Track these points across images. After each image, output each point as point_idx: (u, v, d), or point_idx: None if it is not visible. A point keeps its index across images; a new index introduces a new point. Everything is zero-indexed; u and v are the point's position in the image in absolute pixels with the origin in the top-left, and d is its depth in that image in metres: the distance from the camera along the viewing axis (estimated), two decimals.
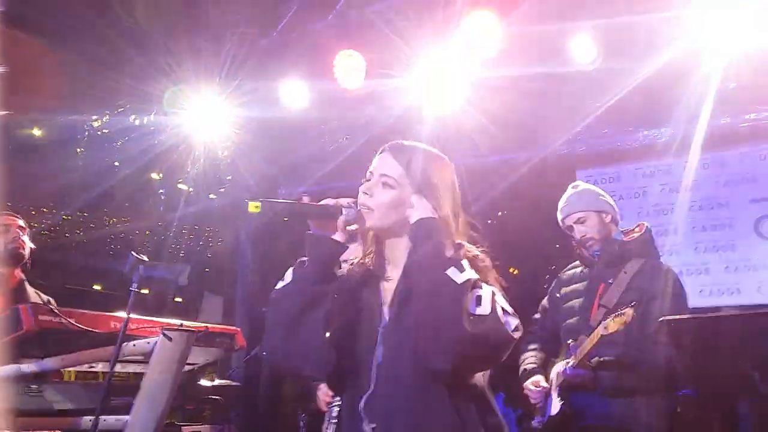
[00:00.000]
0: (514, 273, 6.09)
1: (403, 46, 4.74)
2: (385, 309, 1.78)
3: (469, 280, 1.61)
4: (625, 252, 3.05)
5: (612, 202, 3.21)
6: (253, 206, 1.78)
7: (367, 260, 1.87)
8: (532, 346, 3.37)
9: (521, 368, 3.32)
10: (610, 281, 3.02)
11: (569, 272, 3.29)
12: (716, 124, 4.67)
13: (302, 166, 6.28)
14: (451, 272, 1.61)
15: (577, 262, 3.26)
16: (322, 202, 1.80)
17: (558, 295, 3.25)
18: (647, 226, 3.14)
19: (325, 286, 1.73)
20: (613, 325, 2.73)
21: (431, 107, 5.09)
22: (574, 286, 3.19)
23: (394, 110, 5.25)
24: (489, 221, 6.44)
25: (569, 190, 3.26)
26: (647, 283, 2.93)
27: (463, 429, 1.65)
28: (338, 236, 1.77)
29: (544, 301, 3.39)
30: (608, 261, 3.06)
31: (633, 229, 3.16)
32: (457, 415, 1.65)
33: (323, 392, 2.94)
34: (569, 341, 3.03)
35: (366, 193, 1.79)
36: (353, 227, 1.80)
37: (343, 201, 1.80)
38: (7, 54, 1.74)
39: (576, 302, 3.12)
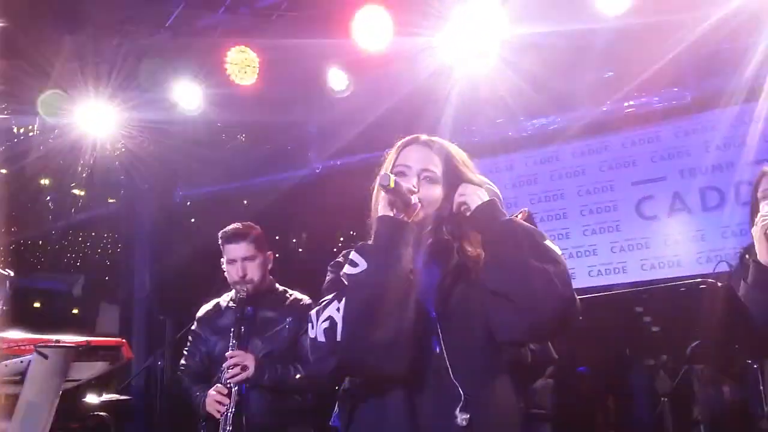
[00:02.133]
0: None
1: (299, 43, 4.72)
2: (429, 300, 1.72)
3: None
4: None
5: (496, 190, 3.29)
6: (392, 180, 1.64)
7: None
8: None
9: None
10: None
11: None
12: (598, 110, 4.89)
13: (200, 166, 6.13)
14: (549, 243, 1.66)
15: None
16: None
17: None
18: (528, 212, 3.24)
19: (408, 271, 1.66)
20: None
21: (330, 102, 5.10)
22: None
23: (292, 104, 5.22)
24: None
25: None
26: None
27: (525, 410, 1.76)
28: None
29: None
30: None
31: (516, 215, 3.25)
32: (520, 397, 1.74)
33: (216, 398, 2.88)
34: None
35: (414, 192, 1.74)
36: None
37: (410, 187, 1.74)
38: None
39: None
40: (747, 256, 2.49)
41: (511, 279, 1.61)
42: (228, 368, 2.84)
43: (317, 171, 5.98)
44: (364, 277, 1.62)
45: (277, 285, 3.24)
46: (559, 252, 1.67)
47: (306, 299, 3.16)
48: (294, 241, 7.24)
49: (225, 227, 3.19)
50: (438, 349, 1.66)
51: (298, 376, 2.94)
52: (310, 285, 3.20)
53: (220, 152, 5.91)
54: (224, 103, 5.23)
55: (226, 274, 3.13)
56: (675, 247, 4.94)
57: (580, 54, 4.60)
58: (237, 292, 3.01)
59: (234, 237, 3.09)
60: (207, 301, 3.29)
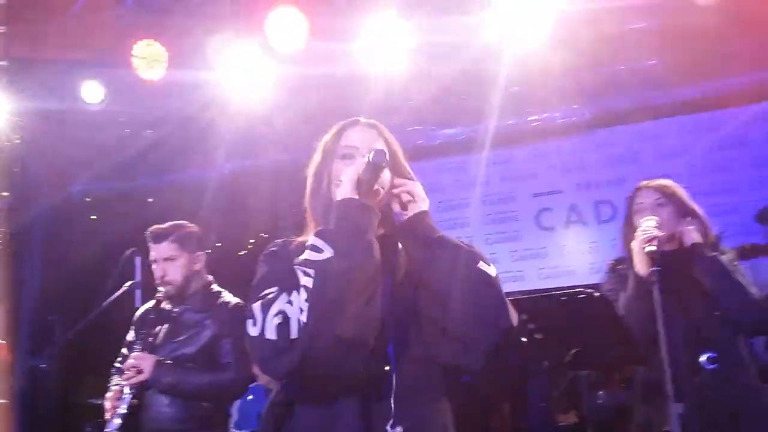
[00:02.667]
0: None
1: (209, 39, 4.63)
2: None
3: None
4: None
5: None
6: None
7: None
8: None
9: None
10: None
11: None
12: (504, 123, 5.06)
13: (102, 161, 5.88)
14: (482, 266, 1.55)
15: None
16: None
17: None
18: None
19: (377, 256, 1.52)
20: None
21: (237, 103, 5.02)
22: None
23: (195, 103, 5.09)
24: None
25: None
26: None
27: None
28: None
29: None
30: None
31: None
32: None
33: (108, 400, 2.78)
34: None
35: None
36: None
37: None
38: None
39: None
40: (619, 267, 2.64)
41: (442, 306, 1.53)
42: (125, 370, 2.76)
43: (225, 172, 5.87)
44: (333, 263, 1.46)
45: (213, 286, 3.13)
46: (494, 273, 1.58)
47: (235, 301, 3.07)
48: None
49: (127, 224, 3.10)
50: (388, 355, 1.55)
51: (205, 381, 2.85)
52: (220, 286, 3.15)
53: (124, 147, 5.69)
54: (130, 97, 5.05)
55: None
56: (570, 258, 5.19)
57: (490, 69, 4.74)
58: (159, 292, 2.94)
59: (155, 237, 3.01)
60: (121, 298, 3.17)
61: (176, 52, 4.72)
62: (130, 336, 3.09)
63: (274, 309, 1.48)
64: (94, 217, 6.57)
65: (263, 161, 5.93)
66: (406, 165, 1.76)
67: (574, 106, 5.17)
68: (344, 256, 1.47)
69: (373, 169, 1.54)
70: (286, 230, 6.49)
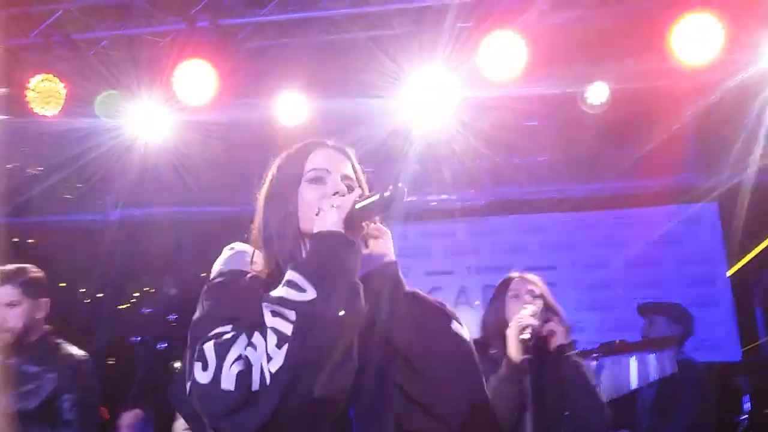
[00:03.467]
0: None
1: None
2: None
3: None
4: None
5: None
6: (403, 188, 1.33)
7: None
8: None
9: None
10: None
11: None
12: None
13: None
14: (455, 327, 1.43)
15: None
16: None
17: None
18: None
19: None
20: None
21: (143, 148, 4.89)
22: None
23: (96, 147, 4.91)
24: None
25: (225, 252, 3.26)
26: None
27: None
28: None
29: None
30: None
31: None
32: None
33: None
34: None
35: (339, 194, 1.44)
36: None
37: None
38: None
39: None
40: (492, 352, 2.68)
41: (412, 372, 1.39)
42: None
43: (113, 218, 5.62)
44: (318, 307, 1.25)
45: (52, 337, 2.95)
46: (468, 336, 1.45)
47: (81, 354, 2.92)
48: (82, 291, 6.68)
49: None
50: (350, 419, 1.35)
51: None
52: (90, 339, 2.95)
53: (9, 185, 5.36)
54: (22, 131, 4.80)
55: None
56: None
57: (394, 149, 4.89)
58: None
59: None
60: None
61: (77, 92, 4.57)
62: None
63: (232, 353, 1.23)
64: None
65: (156, 210, 5.74)
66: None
67: (471, 191, 5.36)
68: (330, 299, 1.26)
69: (383, 206, 1.36)
70: (172, 286, 6.26)
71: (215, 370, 1.23)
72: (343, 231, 1.35)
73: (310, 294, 1.26)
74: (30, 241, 6.28)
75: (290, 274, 1.29)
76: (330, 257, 1.31)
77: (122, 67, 4.59)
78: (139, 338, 6.25)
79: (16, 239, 5.97)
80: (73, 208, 5.78)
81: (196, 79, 4.44)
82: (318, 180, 1.49)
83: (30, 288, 2.86)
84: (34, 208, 5.82)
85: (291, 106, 4.56)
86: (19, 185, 5.53)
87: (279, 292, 1.28)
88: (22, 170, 5.50)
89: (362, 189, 1.49)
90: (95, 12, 4.69)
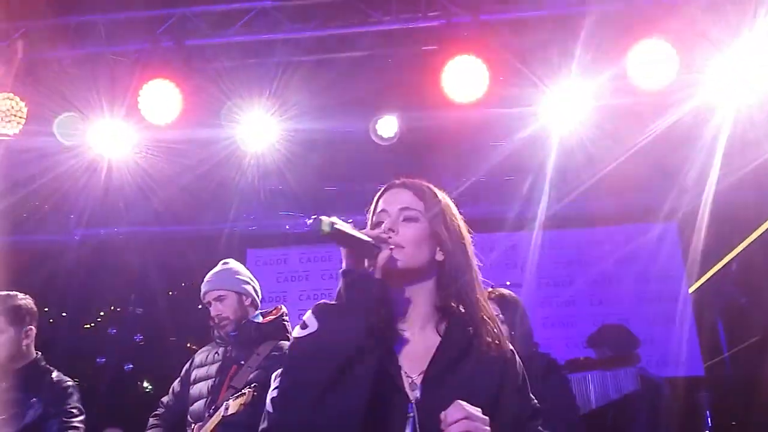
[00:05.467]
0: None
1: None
2: (414, 380, 1.44)
3: None
4: (259, 335, 3.10)
5: (256, 286, 3.28)
6: (325, 225, 1.35)
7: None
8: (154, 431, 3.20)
9: None
10: (242, 362, 3.04)
11: (202, 354, 3.24)
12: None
13: None
14: None
15: (212, 344, 3.24)
16: (365, 234, 1.46)
17: (190, 377, 3.17)
18: (283, 310, 3.25)
19: (370, 338, 1.37)
20: (233, 405, 2.73)
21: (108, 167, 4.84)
22: (206, 368, 3.14)
23: (60, 164, 4.85)
24: None
25: (218, 266, 3.27)
26: (272, 367, 3.00)
27: None
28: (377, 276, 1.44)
29: (175, 384, 3.27)
30: (242, 342, 3.09)
31: (271, 311, 3.25)
32: None
33: None
34: (194, 425, 2.96)
35: (392, 230, 1.51)
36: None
37: (384, 235, 1.48)
38: None
39: (205, 384, 3.06)
40: None
41: None
42: None
43: (75, 238, 5.54)
44: (309, 341, 1.37)
45: (42, 363, 2.94)
46: None
47: (68, 382, 2.91)
48: (46, 309, 6.55)
49: None
50: None
51: None
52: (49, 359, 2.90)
53: None
54: None
55: None
56: None
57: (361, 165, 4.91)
58: None
59: None
60: None
61: (39, 111, 4.51)
62: None
63: (275, 380, 1.45)
64: None
65: (119, 230, 5.67)
66: (450, 213, 1.61)
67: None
68: (322, 332, 1.37)
69: (330, 237, 1.40)
70: (138, 305, 6.18)
71: (269, 393, 1.45)
72: (352, 267, 1.44)
73: (311, 329, 1.39)
74: None
75: (306, 314, 1.44)
76: (337, 294, 1.43)
77: (83, 86, 4.55)
78: (104, 359, 6.15)
79: None
80: (34, 228, 5.68)
81: (161, 98, 4.41)
82: (379, 224, 1.55)
83: (16, 316, 2.83)
84: None
85: (255, 128, 4.56)
86: None
87: (294, 331, 1.46)
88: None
89: (428, 216, 1.56)
90: (58, 32, 4.67)
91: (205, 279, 3.21)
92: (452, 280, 1.54)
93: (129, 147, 4.73)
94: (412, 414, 1.40)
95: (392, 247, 1.47)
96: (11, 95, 4.47)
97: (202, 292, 3.19)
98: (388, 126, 4.49)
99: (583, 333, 4.73)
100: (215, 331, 3.18)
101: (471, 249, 1.60)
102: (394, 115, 4.49)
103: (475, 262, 1.59)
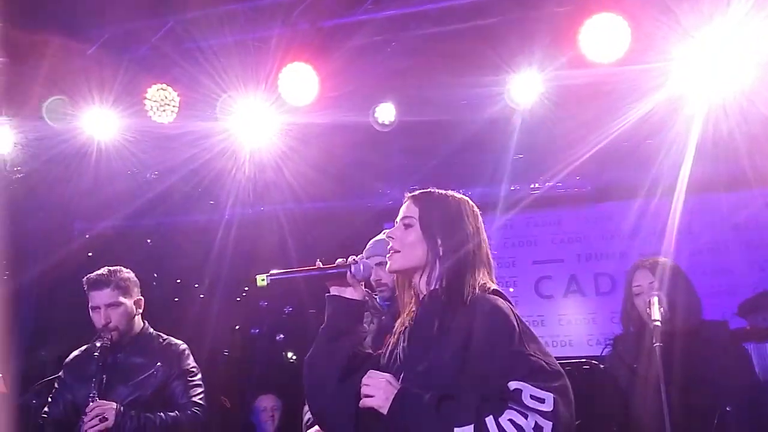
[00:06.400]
0: None
1: (215, 87, 4.72)
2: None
3: None
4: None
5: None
6: (260, 280, 1.79)
7: (406, 320, 1.92)
8: None
9: None
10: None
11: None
12: (508, 189, 5.11)
13: (107, 200, 5.89)
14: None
15: (367, 314, 3.32)
16: (336, 263, 1.90)
17: None
18: None
19: (342, 343, 1.84)
20: None
21: (248, 150, 5.09)
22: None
23: (208, 150, 5.15)
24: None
25: (380, 235, 3.36)
26: None
27: None
28: (352, 293, 1.90)
29: None
30: (396, 312, 3.15)
31: None
32: None
33: None
34: None
35: (391, 237, 1.90)
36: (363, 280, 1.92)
37: (351, 258, 1.91)
38: None
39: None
40: (620, 348, 2.63)
41: None
42: (87, 419, 2.72)
43: (227, 218, 5.87)
44: (306, 360, 1.89)
45: (151, 330, 3.18)
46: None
47: (181, 344, 3.14)
48: (196, 286, 7.02)
49: (123, 264, 3.12)
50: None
51: (169, 422, 2.87)
52: (204, 331, 3.13)
53: (131, 188, 5.72)
54: (140, 138, 5.11)
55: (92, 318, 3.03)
56: (568, 327, 5.15)
57: (494, 134, 4.83)
58: (101, 339, 2.91)
59: (96, 283, 3.02)
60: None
61: (187, 100, 4.80)
62: (62, 376, 3.10)
63: None
64: (90, 254, 6.53)
65: (267, 208, 5.95)
66: (451, 223, 1.89)
67: (577, 178, 5.23)
68: (314, 346, 1.93)
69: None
70: None
71: None
72: (336, 293, 1.95)
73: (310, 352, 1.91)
74: (148, 241, 6.67)
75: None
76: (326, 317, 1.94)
77: (231, 72, 4.77)
78: (257, 330, 6.53)
79: (133, 240, 6.36)
80: (188, 209, 6.08)
81: (299, 81, 4.56)
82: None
83: (125, 288, 3.06)
84: (152, 210, 6.18)
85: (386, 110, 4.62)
86: (137, 189, 5.88)
87: None
88: (140, 175, 5.84)
89: (423, 222, 1.90)
90: (202, 22, 4.93)
91: (366, 246, 3.31)
92: (440, 269, 1.84)
93: (269, 129, 4.93)
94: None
95: (351, 267, 1.90)
96: (164, 86, 4.79)
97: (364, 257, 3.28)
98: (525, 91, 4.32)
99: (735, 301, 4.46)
100: (368, 301, 3.27)
101: (473, 241, 1.89)
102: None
103: (473, 250, 1.88)
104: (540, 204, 5.37)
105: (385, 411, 1.64)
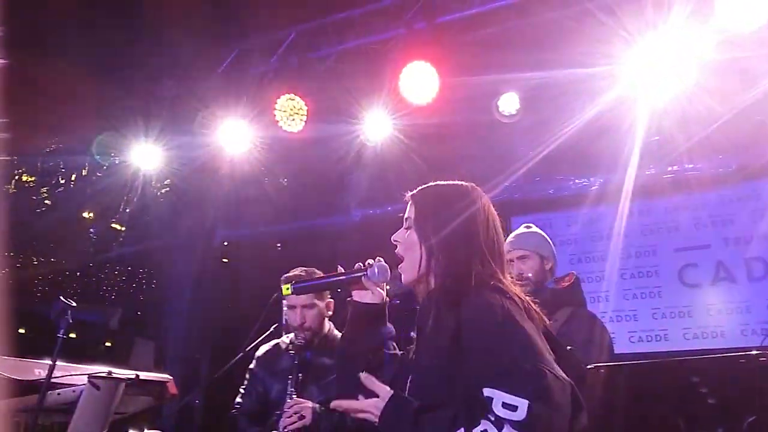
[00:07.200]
0: None
1: (340, 93, 4.85)
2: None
3: None
4: (556, 300, 3.09)
5: (555, 254, 3.30)
6: (285, 289, 1.90)
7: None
8: None
9: None
10: None
11: None
12: (642, 174, 4.88)
13: (242, 208, 6.21)
14: None
15: None
16: (355, 267, 1.90)
17: None
18: (576, 276, 3.21)
19: (361, 346, 1.88)
20: None
21: (374, 152, 5.19)
22: None
23: (337, 153, 5.30)
24: None
25: (521, 228, 3.34)
26: (574, 331, 2.98)
27: None
28: (371, 297, 1.90)
29: None
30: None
31: (563, 278, 3.23)
32: None
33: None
34: None
35: (397, 242, 1.85)
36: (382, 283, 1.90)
37: (368, 262, 1.89)
38: None
39: None
40: None
41: None
42: (286, 416, 2.82)
43: (355, 219, 6.02)
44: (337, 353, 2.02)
45: (335, 331, 3.22)
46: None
47: None
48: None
49: (263, 269, 3.22)
50: None
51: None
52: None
53: (262, 196, 5.99)
54: (270, 147, 5.33)
55: (285, 317, 3.14)
56: (718, 318, 4.83)
57: (626, 118, 4.64)
58: (296, 338, 3.02)
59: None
60: (266, 341, 3.29)
61: (315, 107, 4.97)
62: (255, 369, 3.20)
63: None
64: (226, 260, 6.92)
65: (389, 209, 6.04)
66: (437, 215, 1.81)
67: (720, 157, 4.92)
68: (338, 350, 2.06)
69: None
70: None
71: None
72: (356, 299, 1.95)
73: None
74: (278, 246, 6.96)
75: None
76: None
77: (351, 78, 4.90)
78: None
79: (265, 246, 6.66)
80: (316, 214, 6.28)
81: (420, 79, 4.59)
82: None
83: (322, 291, 3.11)
84: (282, 217, 6.44)
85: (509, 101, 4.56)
86: (268, 196, 6.15)
87: None
88: (272, 182, 6.11)
89: (416, 225, 1.84)
90: (321, 31, 5.09)
91: (510, 238, 3.29)
92: (436, 266, 1.76)
93: (390, 130, 5.00)
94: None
95: (367, 271, 1.86)
96: (292, 96, 4.98)
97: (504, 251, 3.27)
98: None
99: None
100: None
101: (466, 231, 1.77)
102: None
103: (469, 241, 1.76)
104: (678, 187, 5.08)
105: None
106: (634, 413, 2.38)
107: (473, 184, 1.90)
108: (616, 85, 4.32)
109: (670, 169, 5.08)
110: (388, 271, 1.87)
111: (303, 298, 3.05)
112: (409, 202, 1.88)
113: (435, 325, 1.67)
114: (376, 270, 1.85)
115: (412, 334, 1.87)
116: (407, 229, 1.83)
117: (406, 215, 1.86)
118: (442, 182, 1.90)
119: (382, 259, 1.88)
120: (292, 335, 3.11)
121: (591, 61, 4.20)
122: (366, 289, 1.88)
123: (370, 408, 1.65)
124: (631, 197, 4.77)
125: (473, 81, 4.68)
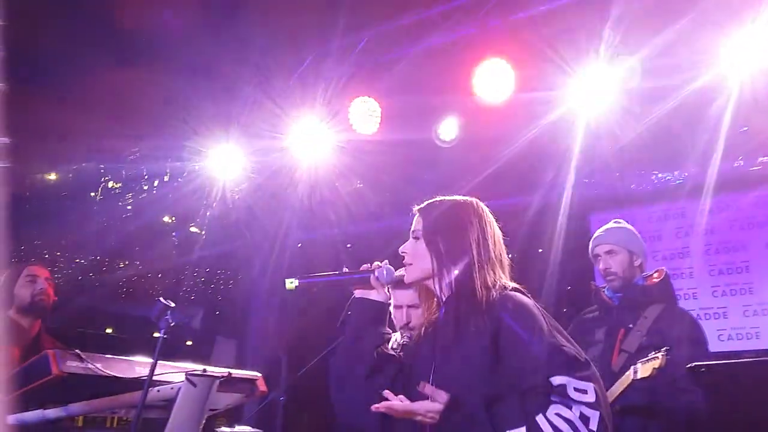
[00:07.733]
0: None
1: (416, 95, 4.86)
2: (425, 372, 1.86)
3: None
4: (646, 297, 3.03)
5: (645, 250, 3.22)
6: (289, 283, 1.94)
7: (429, 325, 2.00)
8: None
9: None
10: (630, 326, 2.99)
11: (587, 317, 3.26)
12: (729, 167, 4.69)
13: (317, 210, 6.30)
14: None
15: (594, 307, 3.23)
16: (361, 268, 2.00)
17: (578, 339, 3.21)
18: (666, 272, 3.13)
19: (366, 343, 1.92)
20: (644, 370, 2.68)
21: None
22: (591, 331, 3.15)
23: (402, 156, 5.32)
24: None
25: (611, 224, 3.29)
26: (668, 328, 2.90)
27: None
28: (376, 295, 1.98)
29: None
30: (629, 305, 3.04)
31: (652, 274, 3.15)
32: None
33: None
34: None
35: (405, 253, 1.96)
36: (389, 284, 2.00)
37: (376, 263, 2.00)
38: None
39: (595, 349, 3.07)
40: None
41: None
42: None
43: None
44: (332, 360, 2.00)
45: None
46: None
47: None
48: None
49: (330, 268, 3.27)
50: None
51: None
52: None
53: (337, 198, 6.07)
54: (344, 149, 5.40)
55: (392, 317, 3.18)
56: None
57: (710, 109, 4.46)
58: (402, 336, 3.06)
59: (401, 283, 3.13)
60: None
61: (389, 107, 5.00)
62: None
63: None
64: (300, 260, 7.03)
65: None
66: (446, 231, 1.92)
67: None
68: (339, 345, 2.03)
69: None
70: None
71: None
72: (361, 296, 2.02)
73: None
74: (348, 246, 7.02)
75: None
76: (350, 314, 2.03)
77: (424, 79, 4.89)
78: None
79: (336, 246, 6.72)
80: (391, 215, 6.30)
81: (495, 76, 4.54)
82: None
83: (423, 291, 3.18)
84: (355, 219, 6.50)
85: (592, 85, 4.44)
86: (339, 199, 6.22)
87: None
88: (345, 185, 6.18)
89: (426, 233, 1.95)
90: (394, 33, 5.11)
91: (598, 233, 3.24)
92: (448, 275, 1.88)
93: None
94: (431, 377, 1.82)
95: (375, 271, 1.98)
96: (366, 98, 5.02)
97: (591, 245, 3.24)
98: None
99: None
100: (595, 295, 3.18)
101: (478, 243, 1.89)
102: None
103: (479, 251, 1.88)
104: None
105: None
106: (739, 413, 2.27)
107: (476, 200, 2.01)
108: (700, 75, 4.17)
109: (759, 160, 4.85)
110: (395, 273, 2.00)
111: (409, 298, 3.08)
112: (416, 216, 2.00)
113: (463, 329, 1.79)
114: (384, 271, 1.96)
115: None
116: (416, 239, 1.95)
117: (414, 227, 1.98)
118: (447, 197, 2.01)
119: (387, 262, 2.00)
120: (398, 335, 3.14)
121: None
122: (371, 288, 1.98)
123: (420, 411, 1.71)
124: (717, 191, 4.58)
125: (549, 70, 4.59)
